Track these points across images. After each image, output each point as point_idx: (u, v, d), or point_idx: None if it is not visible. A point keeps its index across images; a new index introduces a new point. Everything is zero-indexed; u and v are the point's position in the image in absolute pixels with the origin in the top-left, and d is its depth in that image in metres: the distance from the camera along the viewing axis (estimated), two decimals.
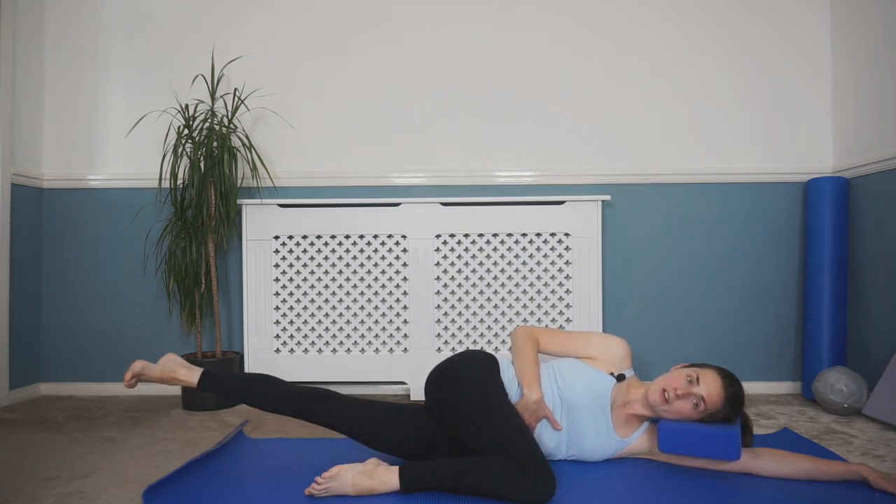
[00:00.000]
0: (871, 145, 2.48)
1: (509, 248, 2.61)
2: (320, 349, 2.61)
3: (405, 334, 2.61)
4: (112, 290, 2.74)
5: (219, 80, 2.62)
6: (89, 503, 1.47)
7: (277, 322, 2.62)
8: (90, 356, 2.74)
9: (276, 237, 2.62)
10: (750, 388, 2.67)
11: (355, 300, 2.62)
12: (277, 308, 2.62)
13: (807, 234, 2.61)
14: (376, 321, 2.62)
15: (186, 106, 2.54)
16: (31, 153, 2.69)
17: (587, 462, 1.68)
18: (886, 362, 2.33)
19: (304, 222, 2.61)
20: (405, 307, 2.61)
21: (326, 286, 2.62)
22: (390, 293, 2.62)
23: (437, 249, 2.62)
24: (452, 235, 2.62)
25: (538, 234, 2.61)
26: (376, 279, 2.62)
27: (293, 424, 2.17)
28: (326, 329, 2.62)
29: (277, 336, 2.62)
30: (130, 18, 2.75)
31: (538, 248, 2.61)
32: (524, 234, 2.61)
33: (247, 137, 2.59)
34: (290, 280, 2.63)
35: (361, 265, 2.62)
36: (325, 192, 2.72)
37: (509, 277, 2.61)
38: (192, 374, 1.67)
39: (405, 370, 2.59)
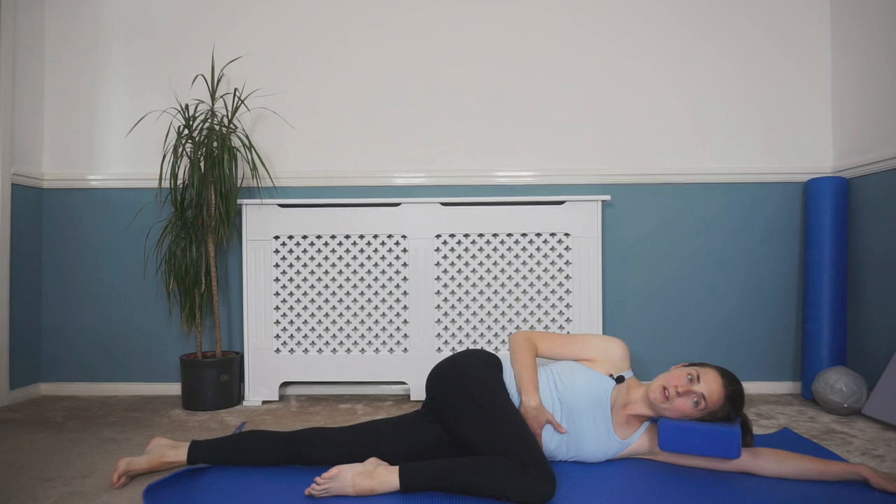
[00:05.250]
0: (871, 145, 2.48)
1: (509, 248, 2.61)
2: (320, 349, 2.61)
3: (405, 334, 2.61)
4: (112, 290, 2.74)
5: (219, 81, 2.62)
6: (89, 503, 1.47)
7: (277, 322, 2.62)
8: (90, 356, 2.74)
9: (276, 237, 2.62)
10: (750, 388, 2.67)
11: (355, 300, 2.62)
12: (277, 308, 2.62)
13: (807, 234, 2.61)
14: (376, 321, 2.62)
15: (186, 106, 2.54)
16: (31, 153, 2.69)
17: (587, 463, 1.68)
18: (886, 362, 2.33)
19: (304, 222, 2.61)
20: (405, 307, 2.61)
21: (326, 286, 2.62)
22: (390, 293, 2.62)
23: (437, 249, 2.62)
24: (452, 235, 2.62)
25: (538, 234, 2.61)
26: (376, 279, 2.62)
27: (293, 425, 2.17)
28: (326, 329, 2.62)
29: (277, 336, 2.62)
30: (130, 18, 2.76)
31: (538, 248, 2.61)
32: (524, 234, 2.61)
33: (247, 137, 2.59)
34: (290, 280, 2.63)
35: (361, 265, 2.62)
36: (325, 192, 2.72)
37: (509, 277, 2.61)
38: (181, 453, 1.62)
39: (405, 370, 2.59)
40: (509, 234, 2.61)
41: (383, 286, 2.62)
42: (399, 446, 1.59)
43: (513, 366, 1.69)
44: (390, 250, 2.62)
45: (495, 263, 2.62)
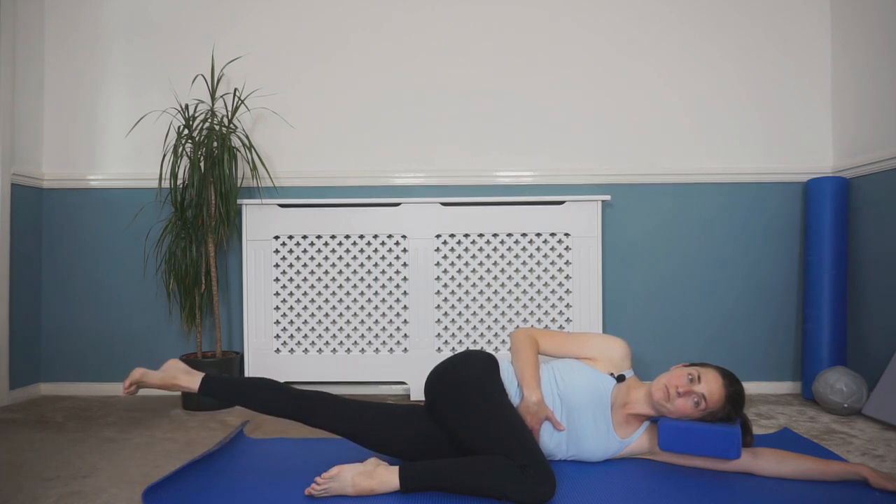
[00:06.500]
0: (871, 145, 2.48)
1: (509, 248, 2.61)
2: (320, 349, 2.61)
3: (405, 334, 2.61)
4: (112, 290, 2.74)
5: (219, 80, 2.62)
6: (89, 503, 1.47)
7: (277, 322, 2.62)
8: (90, 356, 2.74)
9: (276, 237, 2.62)
10: (750, 388, 2.67)
11: (355, 300, 2.62)
12: (277, 308, 2.62)
13: (807, 234, 2.61)
14: (376, 321, 2.62)
15: (186, 106, 2.54)
16: (31, 153, 2.69)
17: (587, 462, 1.68)
18: (886, 362, 2.33)
19: (304, 222, 2.61)
20: (405, 307, 2.61)
21: (326, 286, 2.62)
22: (390, 293, 2.62)
23: (437, 249, 2.62)
24: (452, 235, 2.62)
25: (538, 234, 2.61)
26: (376, 279, 2.62)
27: (293, 425, 2.17)
28: (326, 329, 2.62)
29: (277, 336, 2.62)
30: (130, 18, 2.75)
31: (538, 248, 2.61)
32: (524, 234, 2.61)
33: (247, 137, 2.59)
34: (290, 280, 2.63)
35: (361, 265, 2.62)
36: (325, 192, 2.72)
37: (509, 277, 2.61)
38: (194, 380, 1.68)
39: (405, 370, 2.59)
40: (509, 234, 2.61)
41: (383, 286, 2.62)
42: (404, 433, 1.59)
43: (514, 362, 1.69)
44: (390, 250, 2.63)
45: (495, 263, 2.62)
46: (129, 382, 1.68)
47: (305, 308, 2.62)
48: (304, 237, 2.62)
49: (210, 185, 2.45)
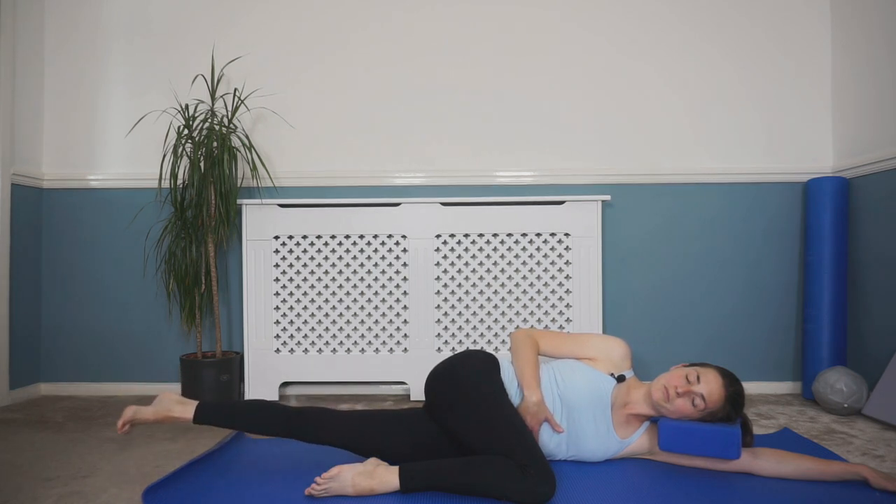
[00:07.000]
0: (871, 145, 2.48)
1: (509, 248, 2.61)
2: (320, 349, 2.61)
3: (405, 334, 2.61)
4: (112, 290, 2.74)
5: (219, 80, 2.62)
6: (89, 503, 1.47)
7: (277, 322, 2.62)
8: (90, 356, 2.74)
9: (276, 237, 2.62)
10: (750, 388, 2.67)
11: (355, 300, 2.62)
12: (277, 308, 2.62)
13: (807, 234, 2.61)
14: (376, 321, 2.62)
15: (186, 106, 2.54)
16: (31, 153, 2.69)
17: (587, 462, 1.68)
18: (886, 362, 2.33)
19: (304, 222, 2.61)
20: (405, 307, 2.61)
21: (326, 286, 2.62)
22: (390, 293, 2.62)
23: (437, 249, 2.62)
24: (452, 235, 2.62)
25: (538, 234, 2.61)
26: (376, 279, 2.62)
27: None
28: (326, 329, 2.62)
29: (277, 336, 2.62)
30: (130, 18, 2.75)
31: (538, 248, 2.61)
32: (524, 234, 2.61)
33: (247, 137, 2.59)
34: (290, 280, 2.63)
35: (361, 265, 2.62)
36: (325, 192, 2.72)
37: (509, 277, 2.61)
38: (188, 410, 1.63)
39: (405, 370, 2.59)
40: (509, 234, 2.61)
41: (383, 286, 2.62)
42: (402, 441, 1.59)
43: (514, 362, 1.69)
44: (390, 250, 2.63)
45: (495, 263, 2.62)
46: (122, 422, 1.61)
47: (305, 308, 2.62)
48: (304, 237, 2.62)
49: (210, 185, 2.46)
